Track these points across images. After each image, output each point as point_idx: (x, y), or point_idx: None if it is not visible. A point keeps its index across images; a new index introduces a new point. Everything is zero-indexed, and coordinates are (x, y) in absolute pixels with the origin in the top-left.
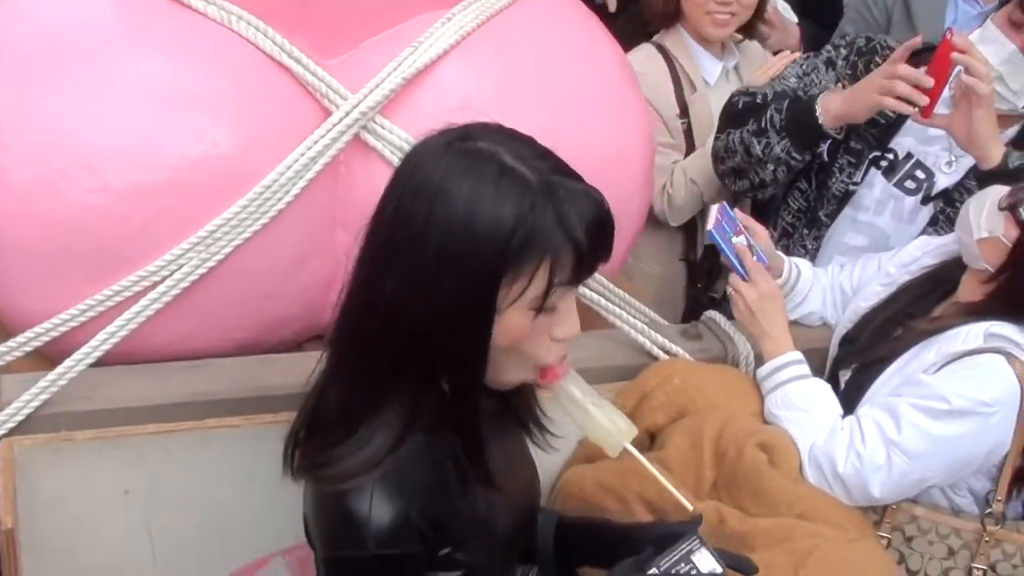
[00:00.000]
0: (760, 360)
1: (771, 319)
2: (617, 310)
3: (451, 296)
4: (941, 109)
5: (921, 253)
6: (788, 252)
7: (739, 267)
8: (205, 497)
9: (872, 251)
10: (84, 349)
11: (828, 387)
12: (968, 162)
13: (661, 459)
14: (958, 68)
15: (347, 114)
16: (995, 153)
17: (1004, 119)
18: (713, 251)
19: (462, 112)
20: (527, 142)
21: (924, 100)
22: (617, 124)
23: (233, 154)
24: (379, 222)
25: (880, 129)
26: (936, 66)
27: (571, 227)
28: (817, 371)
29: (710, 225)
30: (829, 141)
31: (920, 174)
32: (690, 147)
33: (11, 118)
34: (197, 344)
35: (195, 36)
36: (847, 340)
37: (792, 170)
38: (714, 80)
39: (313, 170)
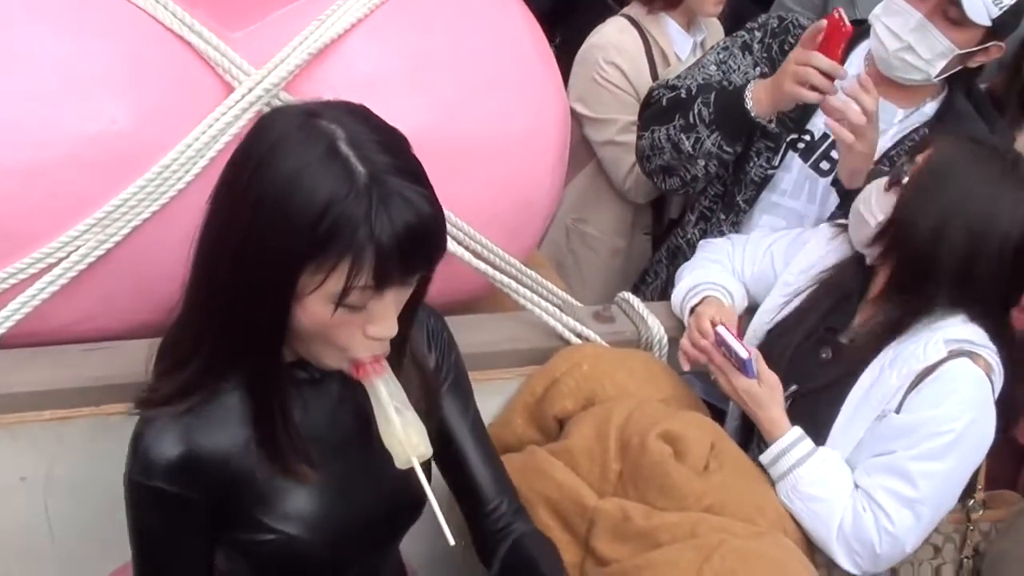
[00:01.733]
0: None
1: (768, 404)
2: (528, 292)
3: (253, 268)
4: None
5: (817, 257)
6: (705, 235)
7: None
8: (104, 483)
9: None
10: None
11: (835, 458)
12: (885, 143)
13: (568, 448)
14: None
15: (250, 90)
16: (856, 185)
17: (921, 91)
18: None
19: (368, 89)
20: (378, 131)
21: (832, 89)
22: (530, 103)
23: (131, 131)
24: (221, 174)
25: (798, 111)
26: (827, 45)
27: (377, 229)
28: None
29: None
30: None
31: (834, 154)
32: None
33: None
34: (97, 325)
35: (91, 8)
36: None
37: (724, 163)
38: (685, 55)
39: (215, 148)
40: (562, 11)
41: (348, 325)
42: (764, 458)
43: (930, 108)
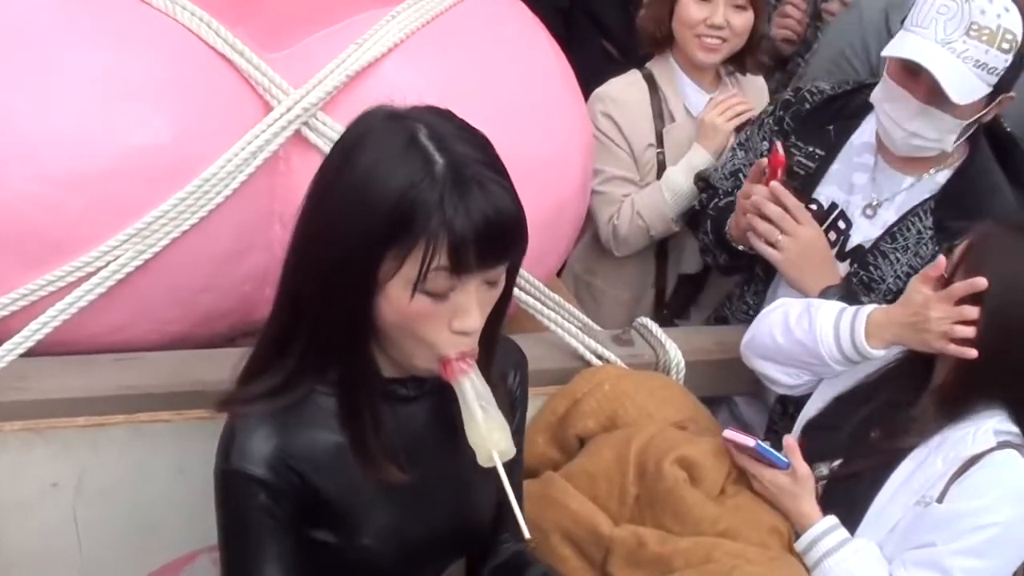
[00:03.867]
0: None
1: (798, 497)
2: (551, 314)
3: (337, 255)
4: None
5: None
6: (730, 304)
7: (773, 456)
8: (134, 492)
9: None
10: (15, 339)
11: (869, 550)
12: (889, 217)
13: (587, 471)
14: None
15: (289, 109)
16: (817, 288)
17: (933, 160)
18: (687, 284)
19: None
20: (462, 128)
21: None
22: (555, 130)
23: (173, 145)
24: (318, 170)
25: (801, 181)
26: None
27: (450, 214)
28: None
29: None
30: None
31: (841, 224)
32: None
33: None
34: (130, 336)
35: (138, 24)
36: (813, 426)
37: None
38: (698, 112)
39: (253, 164)
40: None
41: (433, 318)
42: (798, 545)
43: (943, 176)
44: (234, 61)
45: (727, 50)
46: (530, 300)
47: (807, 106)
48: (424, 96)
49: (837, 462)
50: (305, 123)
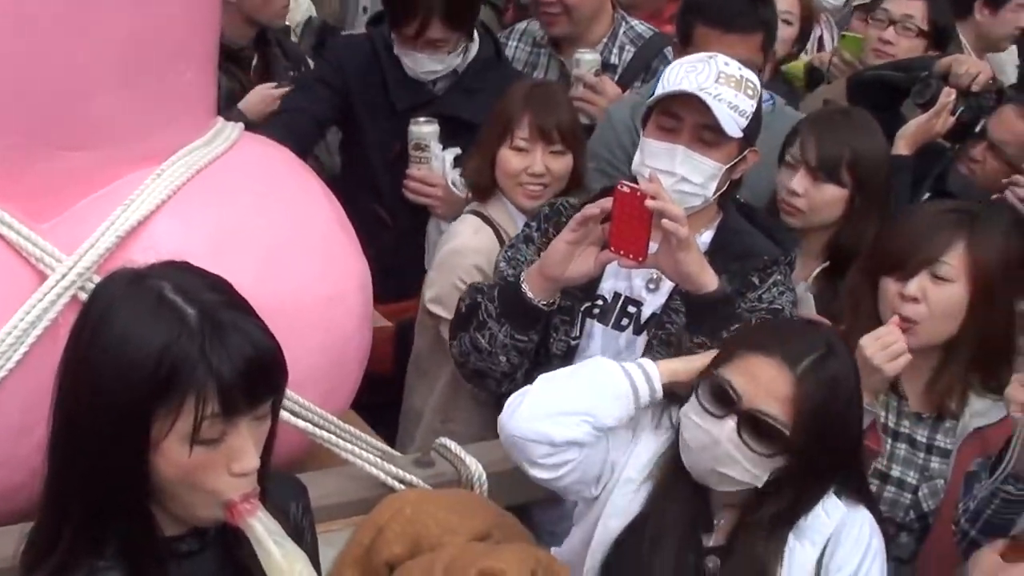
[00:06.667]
0: None
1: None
2: (348, 446)
3: (105, 427)
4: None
5: (654, 452)
6: None
7: None
8: None
9: None
10: None
11: None
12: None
13: None
14: None
15: (63, 276)
16: (708, 281)
17: (696, 220)
18: None
19: None
20: (202, 276)
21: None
22: (331, 268)
23: None
24: (63, 350)
25: (584, 283)
26: (625, 213)
27: (216, 362)
28: None
29: None
30: None
31: (631, 308)
32: None
33: None
34: None
35: None
36: (607, 568)
37: (523, 353)
38: None
39: (33, 335)
40: None
41: (211, 466)
42: None
43: (707, 235)
44: (3, 235)
45: (550, 194)
46: (325, 435)
47: (564, 219)
48: (198, 249)
49: None
50: (81, 288)
